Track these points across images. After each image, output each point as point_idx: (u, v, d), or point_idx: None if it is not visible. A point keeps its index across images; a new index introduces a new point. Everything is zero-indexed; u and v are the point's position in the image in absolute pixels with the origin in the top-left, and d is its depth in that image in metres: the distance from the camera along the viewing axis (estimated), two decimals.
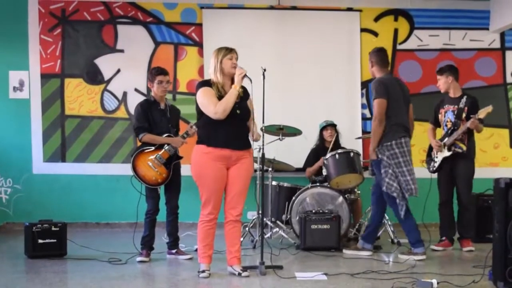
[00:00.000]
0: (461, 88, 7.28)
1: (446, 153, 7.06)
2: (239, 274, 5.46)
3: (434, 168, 7.22)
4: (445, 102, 7.22)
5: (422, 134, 8.08)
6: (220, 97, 5.41)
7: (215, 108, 5.34)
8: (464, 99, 7.03)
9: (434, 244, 7.16)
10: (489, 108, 6.84)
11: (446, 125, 7.18)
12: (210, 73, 5.56)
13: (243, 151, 5.53)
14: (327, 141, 8.01)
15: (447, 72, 7.20)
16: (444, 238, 7.22)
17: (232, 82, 5.50)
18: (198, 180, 5.48)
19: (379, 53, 6.71)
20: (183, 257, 6.54)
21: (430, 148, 7.32)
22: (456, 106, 7.05)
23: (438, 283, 5.03)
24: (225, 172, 5.48)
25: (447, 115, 7.15)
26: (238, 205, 5.54)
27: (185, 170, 6.41)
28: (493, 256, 4.99)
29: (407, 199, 6.54)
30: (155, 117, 6.49)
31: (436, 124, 7.37)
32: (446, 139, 7.07)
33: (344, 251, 6.81)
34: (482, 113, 6.86)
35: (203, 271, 5.47)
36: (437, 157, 7.19)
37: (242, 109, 5.50)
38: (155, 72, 6.54)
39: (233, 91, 5.40)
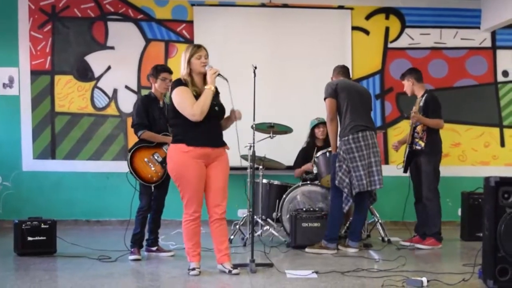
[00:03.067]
0: (425, 87, 7.37)
1: (406, 152, 7.27)
2: (230, 271, 5.45)
3: (402, 168, 7.38)
4: None
5: None
6: (197, 95, 5.36)
7: (192, 110, 5.30)
8: (423, 98, 7.16)
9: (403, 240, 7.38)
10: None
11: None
12: (181, 72, 5.50)
13: (221, 148, 5.52)
14: (318, 139, 8.01)
15: (408, 75, 7.37)
16: (415, 234, 7.34)
17: (204, 79, 5.45)
18: (179, 179, 5.42)
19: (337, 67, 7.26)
20: (164, 254, 6.54)
21: None
22: (416, 107, 7.16)
23: (428, 281, 5.05)
24: (204, 170, 5.44)
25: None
26: (221, 203, 5.50)
27: None
28: (483, 254, 5.01)
29: (353, 196, 6.74)
30: (154, 115, 6.44)
31: None
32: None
33: (307, 249, 6.83)
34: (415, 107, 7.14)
35: (193, 269, 5.45)
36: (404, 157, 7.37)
37: (219, 106, 5.51)
38: (160, 68, 6.52)
39: (208, 91, 5.34)
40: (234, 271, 5.44)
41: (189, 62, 5.41)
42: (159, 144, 6.44)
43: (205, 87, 5.38)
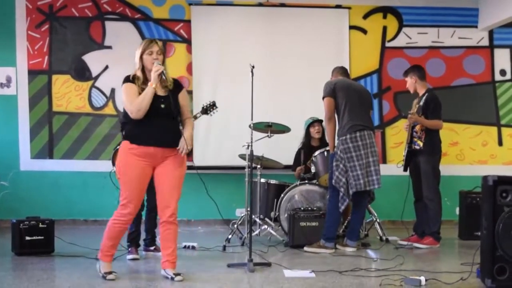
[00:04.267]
0: (427, 86, 7.36)
1: (406, 151, 7.26)
2: (172, 278, 5.17)
3: (402, 167, 7.35)
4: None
5: None
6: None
7: (130, 107, 5.10)
8: (424, 97, 7.16)
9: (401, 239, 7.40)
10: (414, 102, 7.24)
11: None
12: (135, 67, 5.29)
13: (171, 148, 5.15)
14: (313, 138, 8.00)
15: (411, 72, 7.36)
16: (413, 233, 7.35)
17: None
18: (122, 177, 5.21)
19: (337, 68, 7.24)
20: None
21: None
22: (414, 107, 7.18)
23: (426, 280, 5.05)
24: (149, 172, 5.20)
25: None
26: (170, 204, 5.17)
27: None
28: (481, 253, 5.00)
29: (350, 196, 6.72)
30: None
31: None
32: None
33: (305, 248, 6.83)
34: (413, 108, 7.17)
35: (110, 273, 5.23)
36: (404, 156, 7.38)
37: (168, 104, 5.14)
38: None
39: (148, 89, 5.07)
40: (177, 278, 5.16)
41: (141, 58, 5.19)
42: None
43: (148, 84, 5.12)
